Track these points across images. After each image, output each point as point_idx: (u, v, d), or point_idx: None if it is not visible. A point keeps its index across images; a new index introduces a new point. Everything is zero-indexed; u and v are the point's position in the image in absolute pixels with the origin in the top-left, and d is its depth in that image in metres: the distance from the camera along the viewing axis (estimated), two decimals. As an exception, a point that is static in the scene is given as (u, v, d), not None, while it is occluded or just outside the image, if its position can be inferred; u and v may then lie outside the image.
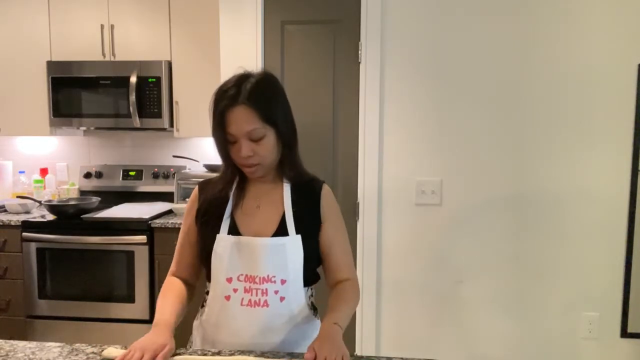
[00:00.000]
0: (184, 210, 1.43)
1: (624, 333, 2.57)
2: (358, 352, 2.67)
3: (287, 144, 1.31)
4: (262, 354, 1.20)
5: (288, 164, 1.34)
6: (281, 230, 1.29)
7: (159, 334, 1.19)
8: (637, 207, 2.50)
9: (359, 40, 2.57)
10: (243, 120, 1.22)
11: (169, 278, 1.41)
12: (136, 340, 1.17)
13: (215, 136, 1.27)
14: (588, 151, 2.50)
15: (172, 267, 1.42)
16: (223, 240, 1.29)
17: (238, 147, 1.25)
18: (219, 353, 1.21)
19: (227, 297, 1.28)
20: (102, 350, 1.21)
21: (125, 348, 1.23)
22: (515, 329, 2.62)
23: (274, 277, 1.26)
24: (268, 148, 1.26)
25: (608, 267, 2.54)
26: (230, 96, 1.22)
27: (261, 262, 1.26)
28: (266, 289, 1.26)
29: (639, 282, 2.53)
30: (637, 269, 2.52)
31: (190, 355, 1.19)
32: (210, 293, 1.33)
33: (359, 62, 2.58)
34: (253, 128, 1.22)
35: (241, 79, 1.25)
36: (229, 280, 1.28)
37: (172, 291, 1.35)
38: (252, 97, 1.22)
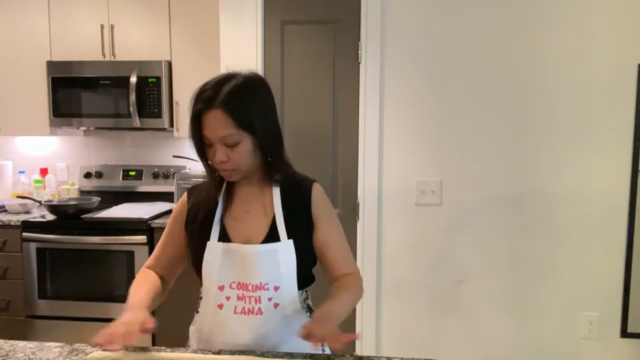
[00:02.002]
0: (173, 211, 1.42)
1: (624, 333, 2.57)
2: (358, 352, 2.67)
3: (268, 150, 1.26)
4: (262, 354, 1.20)
5: (274, 169, 1.29)
6: (272, 236, 1.26)
7: (137, 313, 1.17)
8: (637, 207, 2.50)
9: (359, 40, 2.57)
10: (217, 125, 1.17)
11: (143, 270, 1.39)
12: (139, 340, 1.16)
13: (191, 138, 1.24)
14: (588, 151, 2.50)
15: (149, 262, 1.41)
16: (213, 247, 1.26)
17: (213, 150, 1.21)
18: (219, 353, 1.21)
19: (220, 306, 1.25)
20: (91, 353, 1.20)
21: (125, 348, 1.23)
22: (515, 328, 2.62)
23: (267, 284, 1.24)
24: (243, 154, 1.22)
25: (608, 267, 2.54)
26: (206, 98, 1.18)
27: (253, 270, 1.23)
28: (259, 297, 1.23)
29: (639, 282, 2.52)
30: (637, 269, 2.52)
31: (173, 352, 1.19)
32: (202, 300, 1.31)
33: (359, 62, 2.58)
34: (227, 134, 1.18)
35: (222, 80, 1.21)
36: (221, 288, 1.25)
37: (146, 281, 1.34)
38: (229, 101, 1.17)
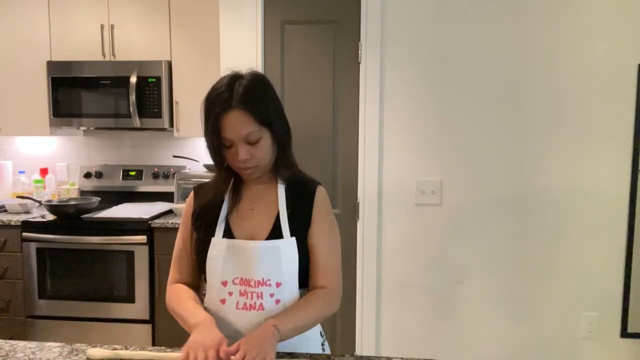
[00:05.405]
0: (182, 213, 1.42)
1: (624, 333, 2.57)
2: (358, 352, 2.67)
3: (282, 143, 1.29)
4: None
5: (282, 164, 1.32)
6: (275, 233, 1.28)
7: (209, 331, 1.15)
8: (637, 207, 2.50)
9: (359, 40, 2.57)
10: (239, 124, 1.19)
11: (174, 286, 1.36)
12: (139, 340, 1.17)
13: (209, 141, 1.24)
14: (588, 151, 2.50)
15: (174, 275, 1.38)
16: (218, 244, 1.28)
17: (234, 151, 1.22)
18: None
19: (223, 301, 1.27)
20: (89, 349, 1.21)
21: (125, 347, 1.23)
22: (515, 329, 2.62)
23: (269, 280, 1.25)
24: (265, 150, 1.24)
25: (608, 267, 2.54)
26: (224, 100, 1.19)
27: (256, 266, 1.25)
28: (261, 292, 1.25)
29: (639, 282, 2.53)
30: (637, 269, 2.52)
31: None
32: (206, 296, 1.32)
33: (359, 62, 2.58)
34: (250, 131, 1.20)
35: (232, 81, 1.22)
36: (224, 283, 1.27)
37: (187, 296, 1.31)
38: (246, 100, 1.19)
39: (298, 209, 1.31)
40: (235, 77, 1.24)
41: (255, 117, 1.20)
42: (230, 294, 1.26)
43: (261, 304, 1.25)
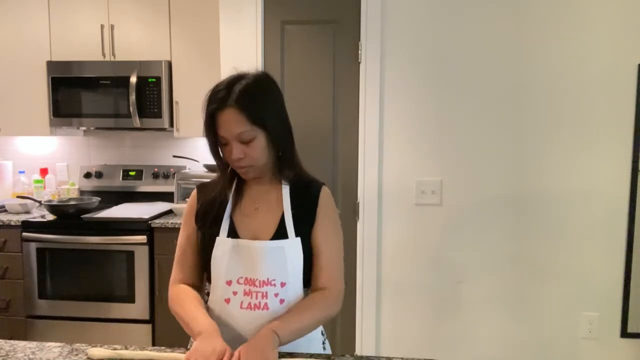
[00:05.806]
0: (184, 212, 1.42)
1: (624, 333, 2.57)
2: (358, 352, 2.67)
3: (280, 145, 1.29)
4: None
5: (286, 165, 1.32)
6: (280, 233, 1.28)
7: (212, 340, 1.14)
8: (637, 207, 2.50)
9: (359, 40, 2.57)
10: (232, 122, 1.21)
11: (177, 287, 1.34)
12: (139, 340, 1.17)
13: (206, 138, 1.27)
14: (588, 151, 2.50)
15: (176, 275, 1.36)
16: (222, 244, 1.28)
17: (229, 149, 1.24)
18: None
19: (227, 300, 1.27)
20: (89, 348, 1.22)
21: (126, 347, 1.23)
22: (515, 329, 2.62)
23: (274, 280, 1.26)
24: (259, 150, 1.25)
25: (608, 267, 2.54)
26: (220, 98, 1.21)
27: (261, 265, 1.25)
28: (266, 292, 1.25)
29: (639, 282, 2.53)
30: (637, 269, 2.52)
31: None
32: (210, 295, 1.33)
33: (359, 62, 2.58)
34: (242, 130, 1.21)
35: (233, 80, 1.24)
36: (229, 283, 1.27)
37: (190, 299, 1.29)
38: (241, 99, 1.21)
39: (302, 210, 1.31)
40: (237, 77, 1.25)
41: (249, 117, 1.21)
42: (235, 293, 1.26)
43: (266, 304, 1.25)
